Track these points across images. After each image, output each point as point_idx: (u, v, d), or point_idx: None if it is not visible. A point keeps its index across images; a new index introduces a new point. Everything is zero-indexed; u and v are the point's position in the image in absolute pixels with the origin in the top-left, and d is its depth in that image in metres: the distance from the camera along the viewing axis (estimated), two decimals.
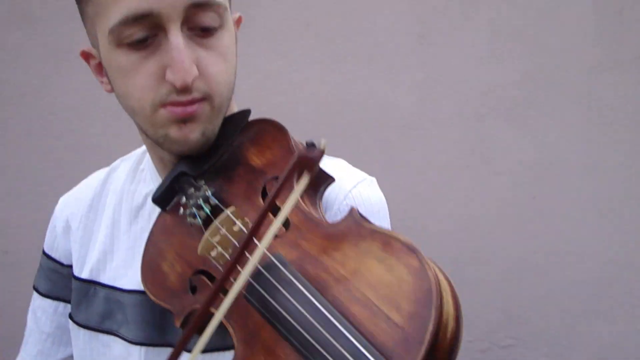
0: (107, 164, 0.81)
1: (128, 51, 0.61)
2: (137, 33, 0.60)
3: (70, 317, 0.76)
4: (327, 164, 0.66)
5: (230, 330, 0.55)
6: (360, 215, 0.55)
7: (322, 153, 0.53)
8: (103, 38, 0.63)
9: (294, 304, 0.51)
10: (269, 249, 0.54)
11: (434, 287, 0.46)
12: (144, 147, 0.77)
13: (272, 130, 0.65)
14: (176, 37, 0.60)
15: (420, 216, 1.66)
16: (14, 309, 1.51)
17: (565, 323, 1.70)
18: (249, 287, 0.54)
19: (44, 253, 0.82)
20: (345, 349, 0.47)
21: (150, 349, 0.69)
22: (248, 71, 1.52)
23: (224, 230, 0.59)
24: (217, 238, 0.59)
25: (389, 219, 0.71)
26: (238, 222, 0.59)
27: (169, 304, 0.61)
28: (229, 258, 0.57)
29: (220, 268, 0.58)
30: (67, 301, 0.78)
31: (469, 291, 1.58)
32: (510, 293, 1.71)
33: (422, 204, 1.68)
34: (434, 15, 1.64)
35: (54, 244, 0.81)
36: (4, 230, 1.57)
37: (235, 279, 0.52)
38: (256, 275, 0.54)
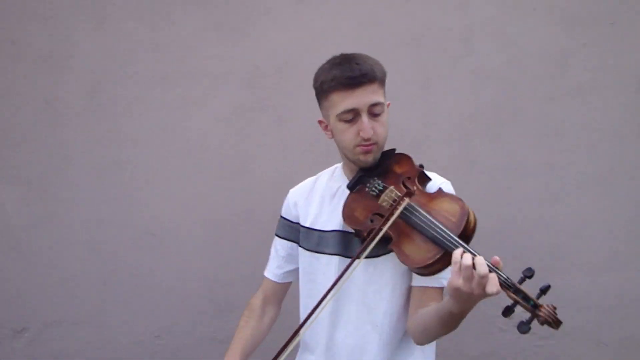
0: (312, 174, 1.59)
1: (343, 123, 1.34)
2: (348, 117, 1.32)
3: (300, 245, 1.47)
4: (429, 174, 1.40)
5: (390, 233, 1.24)
6: (442, 190, 1.30)
7: (422, 167, 1.34)
8: (333, 116, 1.34)
9: (418, 216, 1.21)
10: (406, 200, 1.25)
11: (465, 211, 1.18)
12: (333, 167, 1.53)
13: (404, 157, 1.39)
14: (365, 118, 1.31)
15: None
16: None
17: None
18: (402, 214, 1.23)
19: (282, 217, 1.54)
20: (437, 228, 1.17)
21: (341, 258, 1.38)
22: None
23: (389, 195, 1.30)
24: (387, 197, 1.30)
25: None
26: (395, 193, 1.29)
27: (359, 227, 1.30)
28: (392, 205, 1.28)
29: (386, 211, 1.28)
30: (292, 241, 1.50)
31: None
32: (493, 255, 2.32)
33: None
34: (434, 66, 2.25)
35: (288, 211, 1.53)
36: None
37: (393, 214, 1.24)
38: (405, 209, 1.23)
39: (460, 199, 1.22)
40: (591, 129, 2.28)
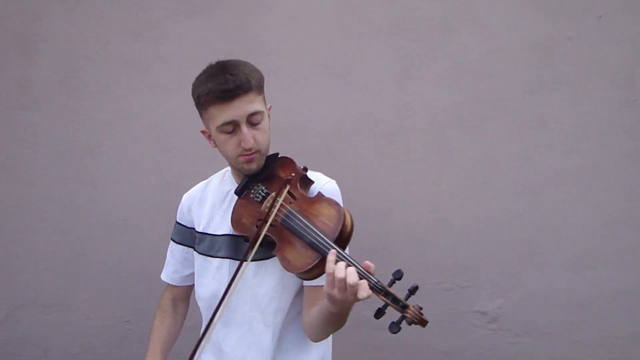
0: (205, 178, 1.57)
1: (224, 134, 1.35)
2: (228, 128, 1.33)
3: (195, 249, 1.49)
4: (314, 174, 1.41)
5: (272, 237, 1.25)
6: (322, 194, 1.32)
7: (305, 170, 1.33)
8: (213, 128, 1.35)
9: (297, 223, 1.24)
10: (289, 206, 1.28)
11: (341, 215, 1.21)
12: (224, 170, 1.53)
13: (287, 161, 1.40)
14: (244, 129, 1.32)
15: (390, 195, 2.30)
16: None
17: (504, 271, 2.25)
18: (283, 219, 1.26)
19: (177, 222, 1.57)
20: (314, 234, 1.20)
21: (232, 261, 1.41)
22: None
23: (270, 201, 1.30)
24: (269, 203, 1.31)
25: (339, 199, 1.40)
26: (273, 199, 1.31)
27: (246, 233, 1.32)
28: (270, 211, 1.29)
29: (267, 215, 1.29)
30: (188, 246, 1.52)
31: (438, 248, 2.20)
32: (468, 249, 2.23)
33: (405, 187, 2.25)
34: (413, 55, 2.21)
35: (183, 217, 1.56)
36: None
37: (272, 218, 1.25)
38: (285, 215, 1.27)
39: (336, 203, 1.24)
40: (573, 123, 2.23)
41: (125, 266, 2.25)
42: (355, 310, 2.22)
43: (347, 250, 1.22)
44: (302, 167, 1.38)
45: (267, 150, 1.40)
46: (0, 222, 2.22)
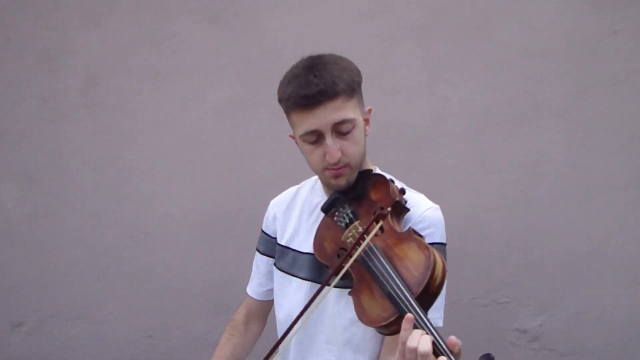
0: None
1: (308, 145, 1.16)
2: (312, 138, 1.15)
3: (274, 264, 1.34)
4: (411, 195, 1.21)
5: (352, 273, 1.08)
6: (414, 230, 1.08)
7: (403, 192, 1.15)
8: (298, 137, 1.18)
9: (377, 265, 1.03)
10: (372, 241, 1.06)
11: (431, 264, 0.97)
12: (316, 177, 1.32)
13: (381, 180, 1.18)
14: (329, 140, 1.13)
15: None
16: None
17: (547, 286, 2.09)
18: (362, 257, 1.06)
19: (262, 231, 1.39)
20: (394, 284, 0.98)
21: (312, 283, 1.23)
22: None
23: (353, 231, 1.12)
24: (351, 233, 1.13)
25: (442, 229, 1.19)
26: (360, 229, 1.11)
27: (327, 262, 1.15)
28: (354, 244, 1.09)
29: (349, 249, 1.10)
30: (272, 257, 1.36)
31: (474, 261, 2.06)
32: (506, 262, 2.09)
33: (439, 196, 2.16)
34: (445, 56, 2.07)
35: (268, 226, 1.38)
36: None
37: (355, 253, 1.07)
38: (365, 253, 1.06)
39: (427, 247, 1.02)
40: (623, 125, 2.05)
41: (149, 280, 2.21)
42: None
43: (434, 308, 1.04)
44: (399, 189, 1.17)
45: (360, 163, 1.19)
46: (29, 235, 2.22)
